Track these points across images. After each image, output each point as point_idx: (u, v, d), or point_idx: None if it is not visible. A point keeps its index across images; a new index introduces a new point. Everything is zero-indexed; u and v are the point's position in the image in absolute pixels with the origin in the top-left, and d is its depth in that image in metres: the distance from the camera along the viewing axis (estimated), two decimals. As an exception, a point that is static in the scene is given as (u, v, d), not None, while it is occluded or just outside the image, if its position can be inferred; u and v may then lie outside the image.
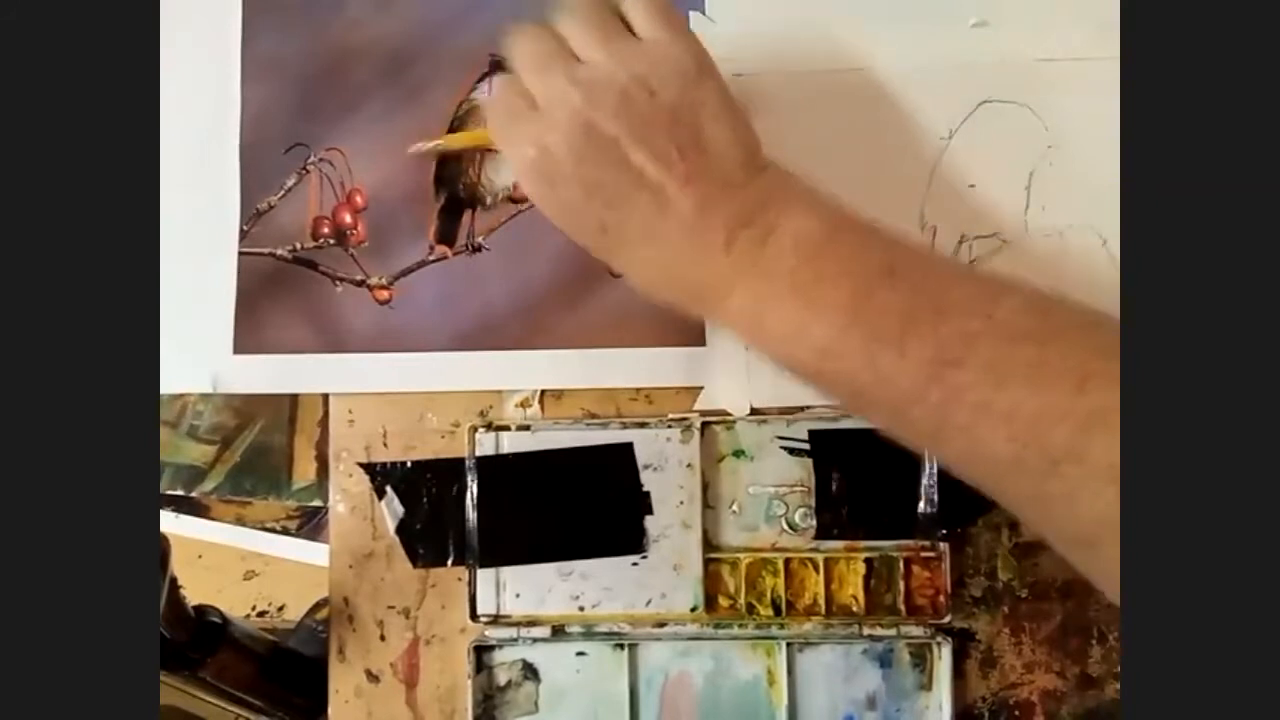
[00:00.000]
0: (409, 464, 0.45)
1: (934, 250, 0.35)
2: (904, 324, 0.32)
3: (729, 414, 0.44)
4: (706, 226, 0.34)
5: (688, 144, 0.35)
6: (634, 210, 0.35)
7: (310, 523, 0.72)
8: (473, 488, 0.45)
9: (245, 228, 0.46)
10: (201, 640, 0.43)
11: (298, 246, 0.46)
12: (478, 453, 0.45)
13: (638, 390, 0.45)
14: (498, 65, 0.46)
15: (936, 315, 0.32)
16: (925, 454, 0.43)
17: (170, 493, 0.71)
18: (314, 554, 0.71)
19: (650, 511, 0.44)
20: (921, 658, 0.44)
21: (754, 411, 0.44)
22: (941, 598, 0.44)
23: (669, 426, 0.45)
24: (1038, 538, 0.44)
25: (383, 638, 0.45)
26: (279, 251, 0.46)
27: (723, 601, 0.44)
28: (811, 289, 0.33)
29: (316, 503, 0.71)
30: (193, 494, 0.72)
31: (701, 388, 0.45)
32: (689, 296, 0.36)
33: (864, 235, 0.35)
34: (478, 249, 0.46)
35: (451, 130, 0.46)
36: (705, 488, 0.44)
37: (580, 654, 0.45)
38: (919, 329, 0.32)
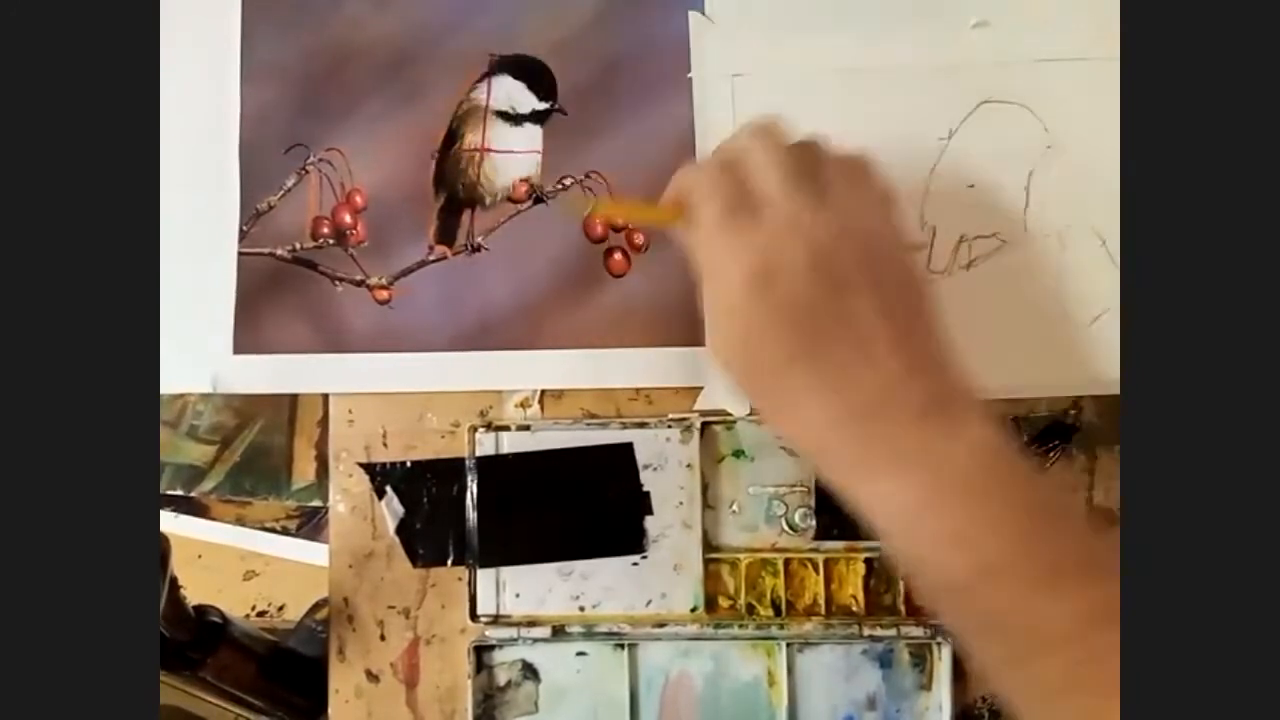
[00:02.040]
0: (409, 464, 0.45)
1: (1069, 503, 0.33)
2: (1066, 569, 0.31)
3: (729, 414, 0.44)
4: (903, 395, 0.32)
5: (912, 312, 0.33)
6: (834, 352, 0.32)
7: (310, 523, 0.72)
8: (473, 488, 0.45)
9: (245, 228, 0.46)
10: (201, 640, 0.43)
11: (297, 246, 0.46)
12: (478, 453, 0.45)
13: (638, 390, 0.45)
14: (498, 65, 0.46)
15: (1095, 571, 0.31)
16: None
17: (170, 493, 0.71)
18: (314, 554, 0.71)
19: (650, 512, 0.44)
20: (921, 658, 0.44)
21: (754, 412, 0.44)
22: (941, 598, 0.44)
23: (669, 426, 0.45)
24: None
25: (383, 638, 0.45)
26: (279, 251, 0.46)
27: (723, 602, 0.44)
28: (986, 502, 0.31)
29: (316, 503, 0.71)
30: (193, 494, 0.72)
31: (701, 388, 0.45)
32: (839, 460, 0.33)
33: (1032, 468, 0.33)
34: (477, 249, 0.46)
35: (450, 130, 0.46)
36: (705, 488, 0.44)
37: (580, 654, 0.45)
38: (1078, 579, 0.31)
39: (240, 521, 0.72)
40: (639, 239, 0.45)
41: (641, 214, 0.45)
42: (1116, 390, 0.44)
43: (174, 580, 0.39)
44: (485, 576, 0.45)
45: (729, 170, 0.34)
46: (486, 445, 0.45)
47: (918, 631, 0.43)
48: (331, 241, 0.46)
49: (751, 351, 0.33)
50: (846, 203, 0.34)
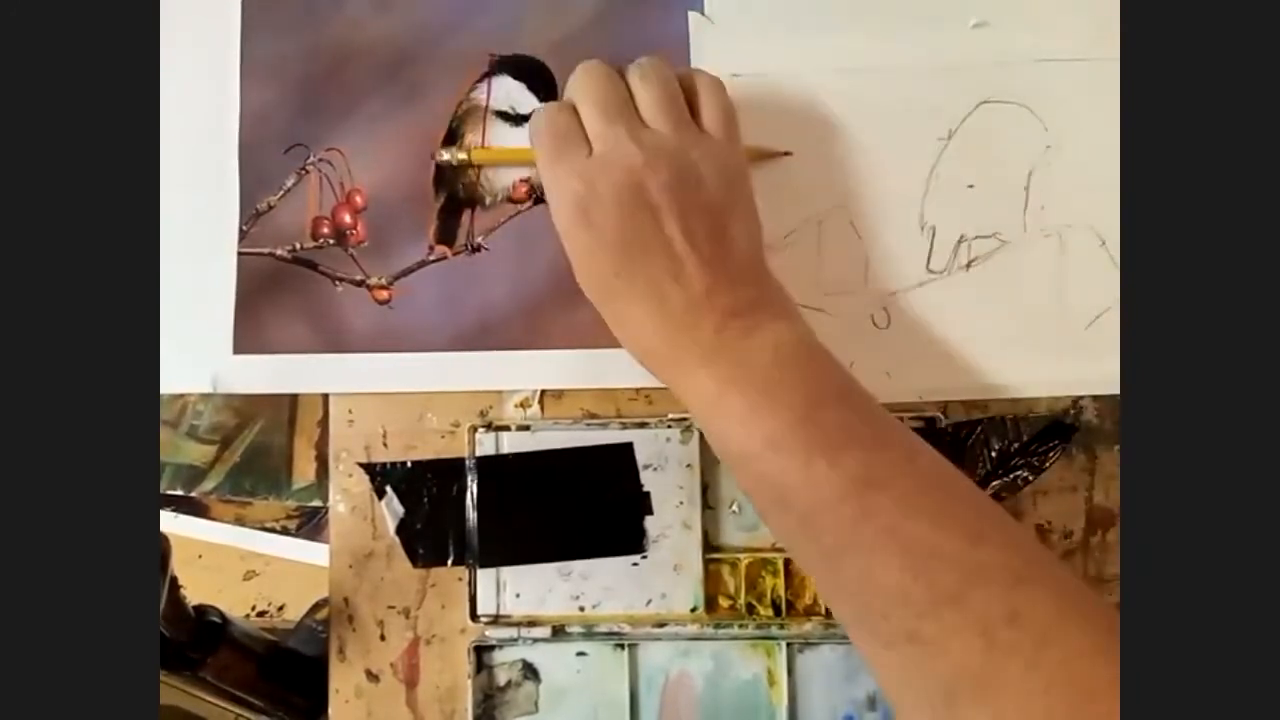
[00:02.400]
0: (409, 464, 0.45)
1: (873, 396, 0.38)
2: (843, 440, 0.35)
3: (729, 414, 0.44)
4: (708, 306, 0.37)
5: (716, 235, 0.38)
6: (649, 269, 0.38)
7: (310, 523, 0.72)
8: (473, 488, 0.45)
9: (245, 228, 0.46)
10: (201, 640, 0.43)
11: (297, 246, 0.46)
12: (478, 453, 0.45)
13: (638, 390, 0.45)
14: (498, 65, 0.46)
15: (872, 442, 0.36)
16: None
17: (170, 493, 0.71)
18: (314, 554, 0.71)
19: (650, 512, 0.44)
20: (921, 658, 0.44)
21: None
22: (941, 598, 0.44)
23: (669, 427, 0.45)
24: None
25: (383, 638, 0.45)
26: (278, 251, 0.46)
27: (723, 602, 0.44)
28: (776, 386, 0.36)
29: (316, 503, 0.71)
30: (193, 494, 0.72)
31: (701, 388, 0.45)
32: (662, 360, 0.38)
33: (827, 359, 0.38)
34: (477, 249, 0.46)
35: (450, 130, 0.46)
36: (705, 488, 0.44)
37: (580, 654, 0.45)
38: (854, 448, 0.35)
39: (240, 521, 0.72)
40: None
41: (510, 156, 0.46)
42: (1116, 390, 0.44)
43: (174, 580, 0.39)
44: (485, 576, 0.45)
45: (563, 109, 0.40)
46: (486, 445, 0.45)
47: (918, 631, 0.43)
48: (331, 241, 0.46)
49: (586, 268, 0.39)
50: (659, 134, 0.39)
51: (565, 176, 0.38)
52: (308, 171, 0.46)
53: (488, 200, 0.46)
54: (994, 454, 0.44)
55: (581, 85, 0.40)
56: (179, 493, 0.72)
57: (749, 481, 0.37)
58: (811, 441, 0.35)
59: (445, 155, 0.45)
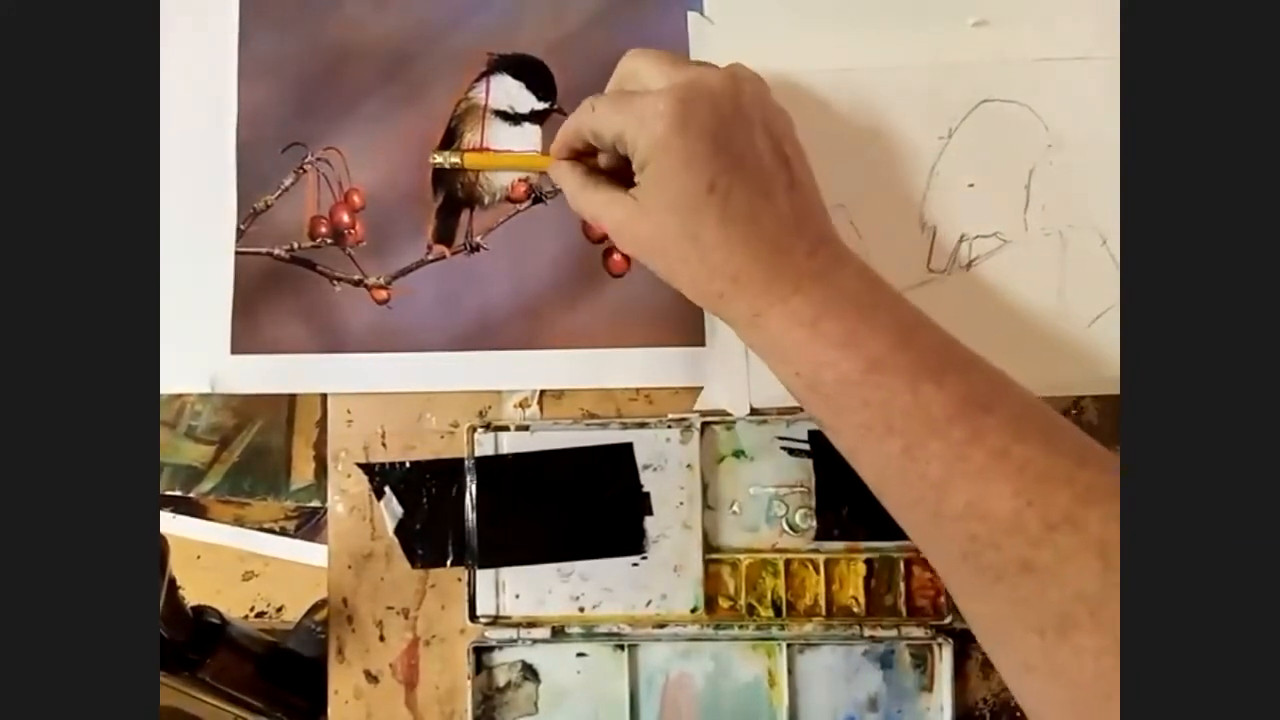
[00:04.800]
0: (408, 464, 0.45)
1: None
2: (943, 362, 0.35)
3: (729, 414, 0.44)
4: (797, 230, 0.37)
5: (793, 160, 0.38)
6: (744, 185, 0.36)
7: (309, 523, 0.72)
8: (472, 488, 0.44)
9: (243, 227, 0.46)
10: (200, 641, 0.43)
11: (295, 246, 0.46)
12: (477, 453, 0.45)
13: (638, 390, 0.45)
14: (496, 64, 0.46)
15: (968, 365, 0.35)
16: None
17: (168, 493, 0.71)
18: (312, 554, 0.71)
19: (650, 512, 0.44)
20: (922, 659, 0.44)
21: (754, 412, 0.44)
22: (942, 599, 0.43)
23: (669, 427, 0.44)
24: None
25: (382, 638, 0.45)
26: (276, 251, 0.46)
27: (723, 602, 0.44)
28: (872, 310, 0.36)
29: (315, 503, 0.71)
30: (191, 494, 0.72)
31: (701, 388, 0.45)
32: (751, 285, 0.36)
33: (900, 293, 0.37)
34: (476, 249, 0.46)
35: (449, 129, 0.46)
36: (705, 488, 0.44)
37: (580, 655, 0.44)
38: (956, 369, 0.35)
39: (239, 522, 0.72)
40: (639, 239, 0.45)
41: (503, 161, 0.45)
42: (1118, 390, 0.44)
43: (172, 581, 0.39)
44: (484, 577, 0.44)
45: (621, 87, 0.39)
46: (486, 445, 0.45)
47: (919, 632, 0.43)
48: (329, 241, 0.46)
49: (677, 183, 0.36)
50: (729, 69, 0.38)
51: (662, 94, 0.37)
52: (306, 171, 0.46)
53: (486, 200, 0.46)
54: (994, 454, 0.44)
55: (634, 63, 0.39)
56: (177, 493, 0.71)
57: (851, 408, 0.35)
58: (915, 364, 0.34)
59: (438, 159, 0.45)
